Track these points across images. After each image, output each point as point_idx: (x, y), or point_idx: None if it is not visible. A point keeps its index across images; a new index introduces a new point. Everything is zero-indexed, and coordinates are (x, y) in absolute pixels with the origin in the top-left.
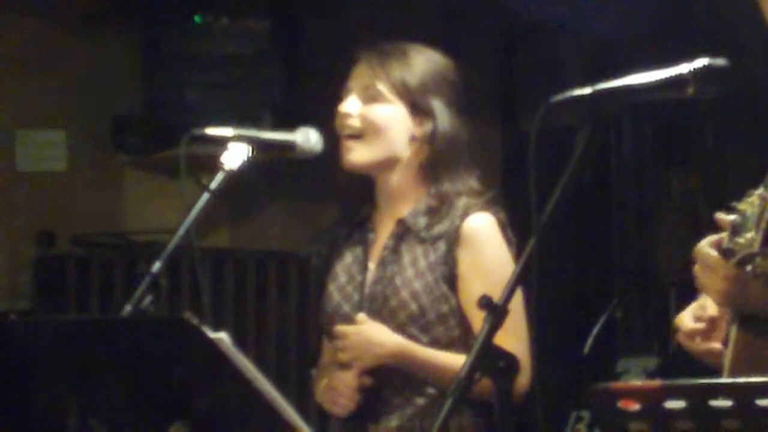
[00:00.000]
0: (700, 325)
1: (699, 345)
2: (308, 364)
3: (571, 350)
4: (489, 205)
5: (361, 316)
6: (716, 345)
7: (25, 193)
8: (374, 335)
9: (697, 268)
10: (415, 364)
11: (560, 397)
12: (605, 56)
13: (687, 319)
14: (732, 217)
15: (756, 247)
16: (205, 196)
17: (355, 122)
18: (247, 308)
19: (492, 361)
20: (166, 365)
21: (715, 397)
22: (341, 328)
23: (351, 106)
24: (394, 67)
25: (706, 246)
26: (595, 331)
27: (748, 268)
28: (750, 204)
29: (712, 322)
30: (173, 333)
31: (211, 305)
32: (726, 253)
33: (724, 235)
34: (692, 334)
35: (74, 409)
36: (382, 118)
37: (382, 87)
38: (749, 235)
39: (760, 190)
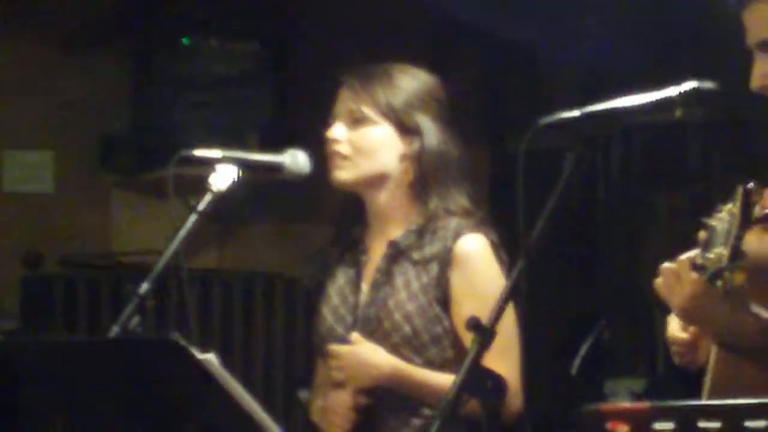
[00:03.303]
0: (685, 335)
1: (687, 356)
2: (295, 385)
3: (559, 371)
4: (481, 226)
5: (356, 336)
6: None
7: (13, 213)
8: (369, 356)
9: (658, 283)
10: (411, 386)
11: (548, 418)
12: (593, 78)
13: (675, 328)
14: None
15: (725, 262)
16: (193, 217)
17: (343, 148)
18: (234, 329)
19: (479, 382)
20: (154, 386)
21: (704, 419)
22: (335, 348)
23: (338, 132)
24: (377, 89)
25: (675, 262)
26: (582, 352)
27: (719, 283)
28: (720, 219)
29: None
30: (161, 354)
31: (198, 326)
32: (697, 268)
33: (694, 252)
34: (682, 345)
35: (61, 430)
36: (370, 140)
37: (367, 110)
38: (718, 250)
39: (729, 206)
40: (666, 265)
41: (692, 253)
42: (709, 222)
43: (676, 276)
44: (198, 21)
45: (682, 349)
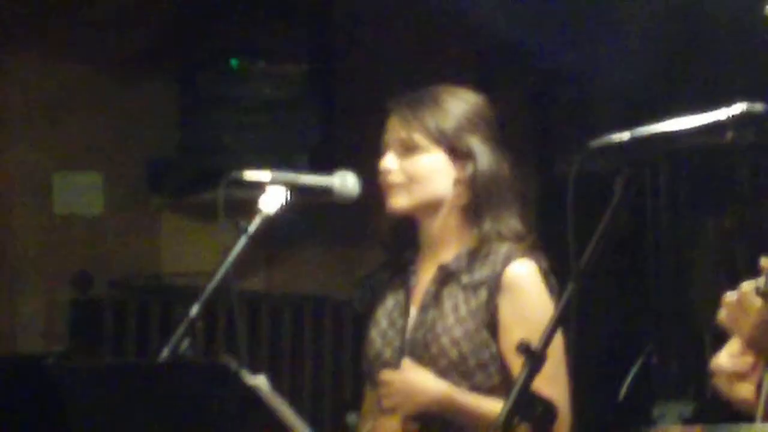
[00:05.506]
0: (738, 367)
1: (735, 387)
2: (343, 408)
3: (607, 395)
4: (531, 252)
5: (407, 362)
6: (752, 388)
7: (62, 235)
8: (419, 383)
9: (722, 315)
10: (460, 411)
11: None
12: (640, 101)
13: (724, 359)
14: None
15: None
16: (243, 239)
17: (396, 177)
18: (282, 352)
19: (530, 407)
20: (205, 410)
21: None
22: (386, 374)
23: (390, 162)
24: (427, 115)
25: (740, 290)
26: (630, 375)
27: None
28: None
29: (752, 366)
30: (212, 377)
31: (246, 348)
32: (763, 295)
33: (760, 279)
34: (730, 376)
35: None
36: (423, 168)
37: (418, 137)
38: None
39: None
40: (728, 294)
41: (754, 281)
42: None
43: (739, 305)
44: (246, 43)
45: (728, 380)
